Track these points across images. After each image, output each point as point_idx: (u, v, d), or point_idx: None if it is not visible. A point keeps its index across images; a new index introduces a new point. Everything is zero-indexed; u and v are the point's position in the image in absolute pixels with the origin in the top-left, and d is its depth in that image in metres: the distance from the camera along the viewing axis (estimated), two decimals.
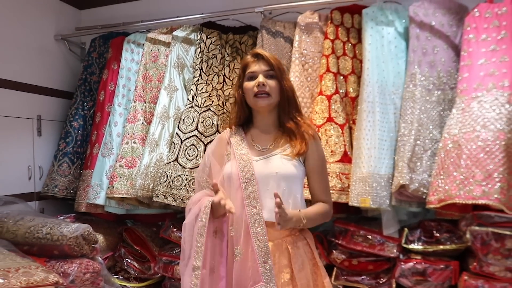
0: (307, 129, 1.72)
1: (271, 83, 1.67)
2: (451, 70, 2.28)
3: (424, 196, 2.13)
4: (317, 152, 1.73)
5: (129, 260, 2.70)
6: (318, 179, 1.73)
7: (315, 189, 1.73)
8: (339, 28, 2.45)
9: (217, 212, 1.61)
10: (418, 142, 2.20)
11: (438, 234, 2.22)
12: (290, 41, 2.57)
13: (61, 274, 2.17)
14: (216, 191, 1.59)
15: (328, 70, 2.39)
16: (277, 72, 1.69)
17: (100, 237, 2.65)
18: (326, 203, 1.72)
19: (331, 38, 2.43)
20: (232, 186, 1.64)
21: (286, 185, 1.64)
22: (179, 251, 2.53)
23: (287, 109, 1.71)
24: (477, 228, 2.00)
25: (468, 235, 2.02)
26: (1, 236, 2.37)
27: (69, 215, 2.84)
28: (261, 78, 1.66)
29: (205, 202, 1.62)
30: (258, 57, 1.71)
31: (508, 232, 1.96)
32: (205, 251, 1.59)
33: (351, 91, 2.43)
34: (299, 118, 1.73)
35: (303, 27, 2.52)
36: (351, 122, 2.40)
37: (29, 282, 1.91)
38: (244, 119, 1.79)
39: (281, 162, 1.65)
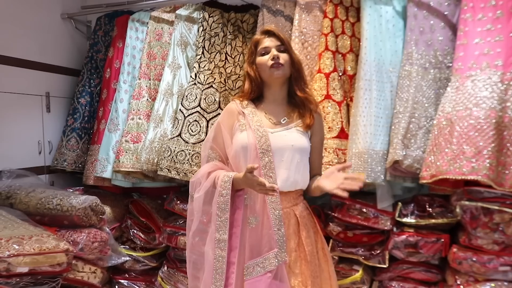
0: (314, 103, 1.84)
1: (284, 56, 1.77)
2: (448, 49, 2.30)
3: (418, 172, 2.19)
4: (320, 129, 1.88)
5: (135, 231, 2.83)
6: (318, 154, 1.87)
7: (315, 163, 1.86)
8: (338, 7, 2.49)
9: (237, 186, 1.69)
10: (413, 119, 2.26)
11: (430, 209, 2.30)
12: (290, 20, 2.61)
13: (71, 242, 2.30)
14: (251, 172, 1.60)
15: (326, 48, 2.44)
16: (288, 46, 1.80)
17: (107, 209, 2.77)
18: (320, 176, 1.84)
19: (330, 17, 2.47)
20: (249, 156, 1.72)
21: (300, 157, 1.76)
22: (183, 222, 2.67)
23: (297, 79, 1.82)
24: (466, 202, 2.07)
25: (458, 210, 2.10)
26: (15, 207, 2.50)
27: (77, 188, 2.97)
28: (275, 52, 1.75)
29: (223, 177, 1.70)
30: (269, 33, 1.81)
31: (496, 207, 2.03)
32: (230, 224, 1.69)
33: (349, 69, 2.48)
34: (307, 90, 1.84)
35: (303, 6, 2.55)
36: (349, 99, 2.46)
37: (42, 248, 2.04)
38: (257, 94, 1.87)
39: (297, 135, 1.77)
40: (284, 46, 1.79)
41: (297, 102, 1.82)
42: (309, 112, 1.80)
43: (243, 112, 1.80)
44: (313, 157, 1.85)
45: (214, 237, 1.70)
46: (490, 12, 2.16)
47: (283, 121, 1.81)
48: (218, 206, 1.69)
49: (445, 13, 2.33)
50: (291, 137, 1.76)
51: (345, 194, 1.57)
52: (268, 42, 1.79)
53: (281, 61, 1.74)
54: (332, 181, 1.65)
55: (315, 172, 1.87)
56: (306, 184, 1.83)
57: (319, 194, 1.83)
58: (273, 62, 1.74)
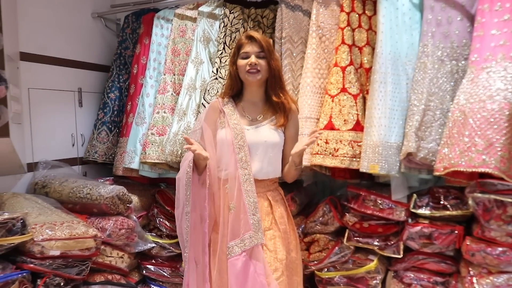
0: (288, 104, 2.03)
1: (261, 62, 1.96)
2: (465, 40, 2.29)
3: (432, 164, 2.21)
4: (294, 124, 2.09)
5: (161, 219, 2.96)
6: (292, 145, 2.02)
7: (289, 153, 2.00)
8: (355, 1, 2.50)
9: (199, 164, 1.92)
10: (428, 112, 2.26)
11: (445, 201, 2.32)
12: (308, 14, 2.65)
13: (99, 229, 2.45)
14: (190, 143, 1.88)
15: (343, 42, 2.47)
16: (267, 53, 1.97)
17: (135, 198, 2.92)
18: None
19: (347, 11, 2.49)
20: (227, 151, 1.95)
21: (272, 151, 2.01)
22: None
23: (273, 85, 2.02)
24: (479, 195, 2.07)
25: (470, 202, 2.10)
26: (49, 195, 2.68)
27: (108, 178, 3.12)
28: (253, 59, 1.95)
29: (190, 157, 1.94)
30: (252, 39, 1.99)
31: (510, 200, 2.02)
32: (193, 198, 1.93)
33: (366, 62, 2.50)
34: (281, 94, 2.02)
35: (320, 1, 2.59)
36: (365, 92, 2.49)
37: (72, 234, 2.19)
38: (236, 91, 2.08)
39: (269, 132, 2.00)
40: (264, 53, 1.96)
41: (272, 102, 2.01)
42: (283, 114, 2.00)
43: (223, 111, 2.01)
44: (288, 147, 2.03)
45: (185, 211, 1.96)
46: (508, 2, 2.13)
47: (258, 118, 2.02)
48: (186, 182, 1.94)
49: (463, 4, 2.31)
50: (265, 133, 1.99)
51: (305, 146, 1.88)
52: (249, 47, 1.97)
53: (258, 67, 1.95)
54: (298, 144, 1.95)
55: (285, 158, 2.07)
56: (278, 173, 2.09)
57: (293, 173, 2.05)
58: (249, 67, 1.95)
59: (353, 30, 2.50)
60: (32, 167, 2.84)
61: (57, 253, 2.13)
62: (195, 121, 2.74)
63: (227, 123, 1.98)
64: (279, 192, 2.10)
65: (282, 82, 2.06)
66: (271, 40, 2.06)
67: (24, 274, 2.01)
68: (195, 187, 1.96)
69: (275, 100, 2.01)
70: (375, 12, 2.51)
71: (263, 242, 1.92)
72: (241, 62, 1.98)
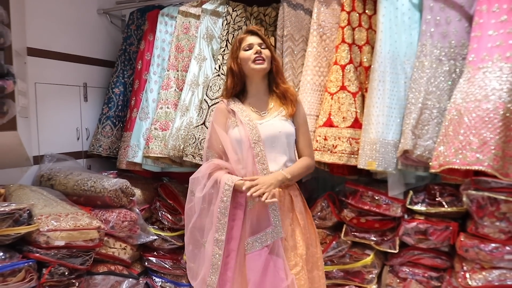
0: (292, 94, 2.02)
1: (265, 51, 1.97)
2: (463, 41, 2.33)
3: (429, 161, 2.26)
4: (301, 113, 2.06)
5: (163, 212, 3.02)
6: (302, 135, 2.04)
7: (300, 143, 2.04)
8: (356, 0, 2.55)
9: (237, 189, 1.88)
10: (425, 110, 2.31)
11: (440, 197, 2.37)
12: (310, 13, 2.70)
13: (102, 221, 2.51)
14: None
15: (343, 41, 2.52)
16: (267, 44, 2.00)
17: (138, 191, 2.98)
18: (308, 157, 2.03)
19: (347, 10, 2.54)
20: (243, 148, 1.93)
21: (287, 141, 1.98)
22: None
23: (276, 75, 2.02)
24: (473, 192, 2.13)
25: (465, 199, 2.16)
26: (55, 187, 2.75)
27: (112, 171, 3.18)
28: (257, 47, 1.95)
29: (224, 184, 1.88)
30: (252, 32, 2.01)
31: (503, 197, 2.08)
32: (229, 227, 1.88)
33: (365, 60, 2.55)
34: (284, 83, 2.04)
35: (321, 0, 2.64)
36: (364, 90, 2.53)
37: (76, 225, 2.25)
38: (239, 89, 2.05)
39: (281, 123, 1.97)
40: (265, 44, 1.98)
41: (278, 93, 2.01)
42: (290, 102, 1.99)
43: (232, 110, 2.00)
44: (299, 139, 2.04)
45: (214, 236, 1.90)
46: (506, 3, 2.17)
47: (268, 111, 2.01)
48: (220, 210, 1.88)
49: (462, 5, 2.35)
50: (278, 124, 1.96)
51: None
52: (251, 39, 1.98)
53: (263, 55, 1.95)
54: None
55: (300, 152, 2.05)
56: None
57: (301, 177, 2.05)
58: (256, 55, 1.94)
59: (353, 29, 2.54)
60: (38, 160, 2.91)
61: (62, 243, 2.19)
62: (197, 117, 2.80)
63: (239, 121, 1.95)
64: (296, 187, 2.06)
65: (283, 73, 2.09)
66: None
67: (30, 263, 2.07)
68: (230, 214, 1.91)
69: (281, 87, 2.00)
70: (375, 11, 2.56)
71: (283, 236, 1.89)
72: (245, 53, 1.97)
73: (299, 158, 2.05)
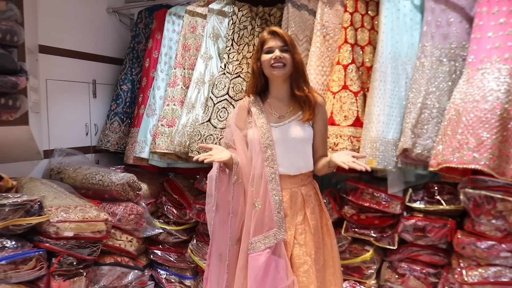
0: (314, 98, 1.99)
1: (286, 56, 1.92)
2: (464, 42, 2.37)
3: (428, 160, 2.31)
4: (323, 118, 2.05)
5: (168, 207, 3.10)
6: (322, 138, 2.06)
7: (319, 146, 2.06)
8: (359, 2, 2.60)
9: (227, 162, 1.96)
10: (425, 110, 2.35)
11: (439, 196, 2.42)
12: (314, 14, 2.75)
13: (110, 213, 2.58)
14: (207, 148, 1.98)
15: (346, 41, 2.57)
16: (290, 47, 1.94)
17: (144, 186, 3.06)
18: (327, 157, 2.04)
19: (350, 11, 2.59)
20: (254, 150, 1.97)
21: (301, 146, 1.99)
22: None
23: (297, 79, 1.98)
24: (471, 190, 2.17)
25: (462, 197, 2.20)
26: (64, 181, 2.83)
27: (119, 166, 3.26)
28: (277, 52, 1.91)
29: (215, 165, 2.02)
30: (274, 34, 1.96)
31: (499, 196, 2.12)
32: (220, 193, 1.99)
33: (367, 61, 2.60)
34: (305, 88, 1.99)
35: (325, 1, 2.68)
36: (366, 90, 2.59)
37: (85, 217, 2.33)
38: (260, 88, 2.06)
39: (297, 128, 1.98)
40: (287, 47, 1.93)
41: (298, 97, 1.99)
42: (308, 108, 1.97)
43: (250, 110, 2.03)
44: (317, 141, 2.04)
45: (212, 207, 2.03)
46: (505, 6, 2.21)
47: (286, 114, 2.01)
48: (215, 181, 2.03)
49: (463, 6, 2.38)
50: (292, 130, 1.97)
51: (346, 167, 1.78)
52: (273, 42, 1.94)
53: (283, 61, 1.91)
54: (341, 156, 1.88)
55: (320, 154, 2.06)
56: (310, 167, 2.04)
57: (326, 171, 2.03)
58: (274, 61, 1.91)
59: (355, 29, 2.60)
60: (48, 154, 3.00)
61: (70, 234, 2.27)
62: (203, 114, 2.87)
63: (254, 123, 1.99)
64: (313, 187, 2.07)
65: (305, 76, 2.01)
66: (292, 36, 1.99)
67: (41, 252, 2.16)
68: (223, 183, 2.00)
69: (299, 95, 1.96)
70: (377, 12, 2.60)
71: (285, 239, 1.92)
72: (265, 57, 1.94)
73: (314, 159, 2.05)
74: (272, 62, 1.92)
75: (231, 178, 1.97)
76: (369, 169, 1.79)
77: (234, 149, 2.05)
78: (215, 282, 2.04)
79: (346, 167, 1.78)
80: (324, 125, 2.07)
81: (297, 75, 1.97)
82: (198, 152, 2.79)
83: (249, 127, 2.02)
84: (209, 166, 3.12)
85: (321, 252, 2.00)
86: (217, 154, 1.90)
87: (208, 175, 2.08)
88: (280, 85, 2.01)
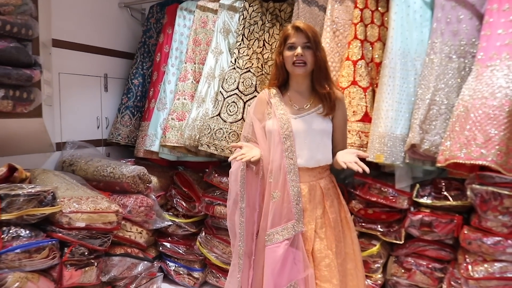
0: (334, 94, 2.01)
1: (307, 53, 1.93)
2: (474, 39, 2.37)
3: (435, 156, 2.32)
4: (342, 113, 2.07)
5: (178, 200, 3.14)
6: (341, 133, 2.08)
7: (339, 140, 2.07)
8: None
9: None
10: (434, 106, 2.36)
11: (446, 191, 2.43)
12: (324, 10, 2.76)
13: (120, 205, 2.62)
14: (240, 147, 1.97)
15: (355, 37, 2.59)
16: (313, 44, 1.94)
17: (154, 179, 3.10)
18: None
19: (360, 7, 2.60)
20: (273, 141, 1.98)
21: (320, 138, 2.00)
22: (220, 193, 2.96)
23: (319, 76, 1.99)
24: (478, 186, 2.18)
25: (469, 193, 2.22)
26: (76, 173, 2.88)
27: (130, 159, 3.30)
28: (299, 50, 1.91)
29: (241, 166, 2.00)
30: (298, 30, 1.95)
31: (506, 192, 2.13)
32: (248, 191, 2.00)
33: (377, 57, 2.61)
34: (327, 85, 2.00)
35: None
36: (375, 85, 2.60)
37: (96, 208, 2.38)
38: (282, 81, 2.08)
39: (316, 120, 1.99)
40: (310, 44, 1.93)
41: (319, 92, 1.99)
42: (329, 103, 1.98)
43: (270, 102, 2.04)
44: (337, 136, 2.06)
45: (239, 206, 2.00)
46: None
47: (305, 107, 2.01)
48: (240, 179, 2.00)
49: (473, 3, 2.38)
50: (312, 121, 1.98)
51: (345, 166, 1.83)
52: (295, 38, 1.94)
53: (304, 59, 1.92)
54: (345, 156, 1.90)
55: (339, 147, 2.07)
56: (329, 160, 2.05)
57: (340, 167, 2.02)
58: (295, 59, 1.92)
59: (365, 25, 2.61)
60: (60, 146, 3.06)
61: (82, 225, 2.31)
62: (213, 108, 2.90)
63: (274, 114, 1.99)
64: (331, 180, 2.09)
65: (328, 73, 2.02)
66: (317, 31, 2.01)
67: (54, 242, 2.20)
68: (250, 181, 2.00)
69: (320, 91, 1.98)
70: (387, 8, 2.61)
71: (303, 231, 1.93)
72: (287, 53, 1.95)
73: (333, 152, 2.05)
74: (294, 59, 1.93)
75: (259, 174, 1.99)
76: (367, 170, 1.80)
77: (254, 143, 2.06)
78: (245, 279, 2.03)
79: (345, 166, 1.82)
80: (344, 120, 2.08)
81: (318, 72, 1.98)
82: (207, 145, 2.83)
83: (268, 119, 2.03)
84: (218, 159, 3.22)
85: (342, 245, 2.01)
86: (249, 152, 1.92)
87: (230, 171, 2.08)
88: (301, 80, 2.03)
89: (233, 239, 2.09)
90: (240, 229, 2.00)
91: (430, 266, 2.47)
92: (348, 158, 1.86)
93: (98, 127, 3.37)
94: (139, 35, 3.56)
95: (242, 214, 1.99)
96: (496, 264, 2.20)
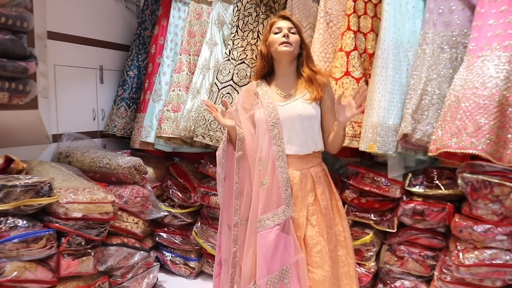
0: (322, 76, 2.06)
1: (294, 37, 2.02)
2: (465, 29, 2.39)
3: (427, 145, 2.35)
4: (330, 97, 2.09)
5: (174, 190, 3.17)
6: (331, 117, 2.08)
7: (330, 124, 2.08)
8: None
9: (232, 135, 2.05)
10: (425, 96, 2.39)
11: (438, 180, 2.47)
12: (317, 1, 2.77)
13: (117, 196, 2.64)
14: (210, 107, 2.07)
15: (348, 28, 2.60)
16: (298, 29, 2.06)
17: (150, 170, 3.13)
18: None
19: None
20: (261, 129, 2.01)
21: (308, 124, 2.02)
22: (215, 183, 2.99)
23: (304, 60, 2.06)
24: (468, 175, 2.22)
25: (460, 181, 2.25)
26: (72, 164, 2.90)
27: (126, 150, 3.31)
28: (285, 31, 2.01)
29: (225, 134, 2.09)
30: (284, 17, 2.07)
31: (496, 180, 2.16)
32: (227, 167, 2.07)
33: (370, 48, 2.63)
34: (313, 68, 2.07)
35: None
36: (368, 76, 2.62)
37: (92, 199, 2.39)
38: (267, 70, 2.13)
39: (303, 106, 2.01)
40: (295, 29, 2.04)
41: (305, 77, 2.05)
42: (317, 87, 2.01)
43: (257, 92, 2.09)
44: (327, 118, 2.08)
45: (221, 178, 2.13)
46: None
47: (291, 93, 2.06)
48: (222, 153, 2.12)
49: None
50: (299, 107, 2.00)
51: (361, 109, 1.92)
52: (282, 23, 2.04)
53: (290, 40, 1.99)
54: (346, 110, 1.92)
55: (329, 132, 2.09)
56: (319, 145, 2.08)
57: (340, 139, 2.04)
58: (283, 39, 1.99)
59: (358, 17, 2.63)
60: (56, 138, 3.07)
61: (79, 215, 2.32)
62: (208, 100, 2.92)
63: (261, 103, 2.03)
64: (322, 168, 2.12)
65: (312, 59, 2.12)
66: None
67: (51, 232, 2.22)
68: (230, 157, 2.06)
69: (306, 75, 2.03)
70: (380, 0, 2.63)
71: (293, 216, 1.96)
72: (273, 37, 2.03)
73: (324, 137, 2.10)
74: (281, 40, 1.99)
75: (236, 152, 2.03)
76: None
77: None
78: (226, 250, 2.11)
79: (358, 112, 1.90)
80: (332, 103, 2.09)
81: (304, 55, 2.06)
82: (202, 136, 2.85)
83: (255, 108, 2.07)
84: (213, 150, 3.24)
85: (333, 232, 2.05)
86: (222, 117, 2.02)
87: (216, 153, 2.15)
88: (286, 65, 2.07)
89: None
90: (221, 199, 2.12)
91: (422, 254, 2.51)
92: (349, 111, 1.91)
93: (94, 119, 3.38)
94: (134, 27, 3.56)
95: (222, 186, 2.10)
96: (486, 251, 2.24)
